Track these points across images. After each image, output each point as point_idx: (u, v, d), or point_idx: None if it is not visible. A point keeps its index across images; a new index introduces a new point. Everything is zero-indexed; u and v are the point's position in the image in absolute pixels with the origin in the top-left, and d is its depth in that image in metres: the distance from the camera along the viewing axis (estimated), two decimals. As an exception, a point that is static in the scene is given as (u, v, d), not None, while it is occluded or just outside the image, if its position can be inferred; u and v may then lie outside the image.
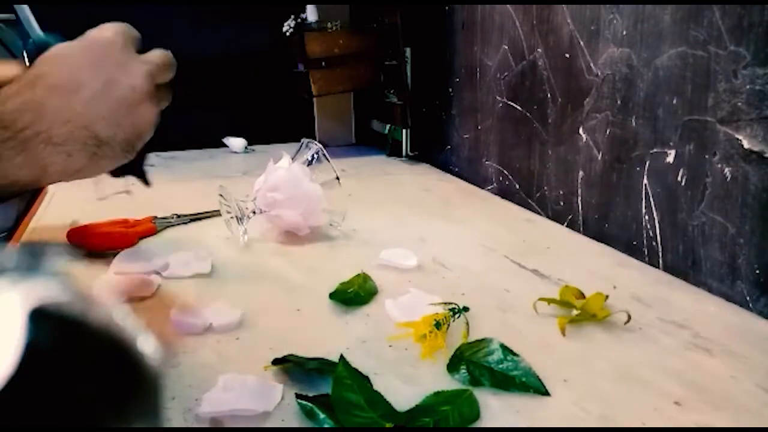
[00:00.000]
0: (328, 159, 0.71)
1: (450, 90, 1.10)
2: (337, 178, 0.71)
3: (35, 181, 0.38)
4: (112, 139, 0.41)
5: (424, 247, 0.71)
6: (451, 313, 0.51)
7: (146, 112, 0.43)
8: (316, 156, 0.72)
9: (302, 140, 0.75)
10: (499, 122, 0.95)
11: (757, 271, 0.53)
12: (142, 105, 0.43)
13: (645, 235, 0.66)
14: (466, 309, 0.52)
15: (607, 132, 0.71)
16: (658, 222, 0.64)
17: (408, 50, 1.16)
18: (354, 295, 0.57)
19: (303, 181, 0.69)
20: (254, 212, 0.70)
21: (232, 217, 0.70)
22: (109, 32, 0.45)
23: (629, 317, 0.51)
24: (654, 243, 0.65)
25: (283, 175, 0.70)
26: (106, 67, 0.41)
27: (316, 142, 0.73)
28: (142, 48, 0.51)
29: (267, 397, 0.41)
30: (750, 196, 0.53)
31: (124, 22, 0.50)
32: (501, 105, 0.94)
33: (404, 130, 1.23)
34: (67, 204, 0.84)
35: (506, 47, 0.91)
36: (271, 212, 0.71)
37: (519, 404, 0.41)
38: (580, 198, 0.77)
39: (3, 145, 0.36)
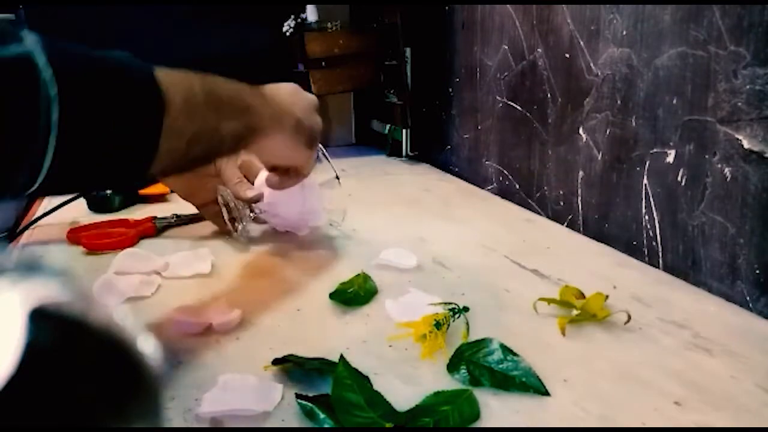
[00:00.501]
0: (327, 159, 0.71)
1: (450, 90, 1.10)
2: (337, 178, 0.71)
3: (255, 126, 0.53)
4: (303, 123, 0.59)
5: (424, 247, 0.71)
6: (451, 313, 0.51)
7: (318, 119, 0.63)
8: (315, 156, 0.72)
9: None
10: (499, 122, 0.95)
11: (757, 271, 0.53)
12: (315, 113, 0.62)
13: (645, 235, 0.66)
14: (466, 309, 0.52)
15: (607, 132, 0.71)
16: (658, 222, 0.64)
17: (408, 50, 1.15)
18: (354, 295, 0.57)
19: (303, 181, 0.69)
20: (254, 212, 0.70)
21: (231, 218, 0.70)
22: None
23: (629, 317, 0.51)
24: (654, 243, 0.65)
25: None
26: (296, 89, 0.62)
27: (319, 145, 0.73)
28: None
29: (267, 397, 0.41)
30: (750, 196, 0.53)
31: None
32: (501, 105, 0.94)
33: (404, 130, 1.23)
34: (67, 204, 0.84)
35: (506, 47, 0.91)
36: (271, 212, 0.71)
37: (519, 404, 0.41)
38: (580, 198, 0.77)
39: (263, 100, 0.54)
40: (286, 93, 0.59)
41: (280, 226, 0.74)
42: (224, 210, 0.71)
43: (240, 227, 0.69)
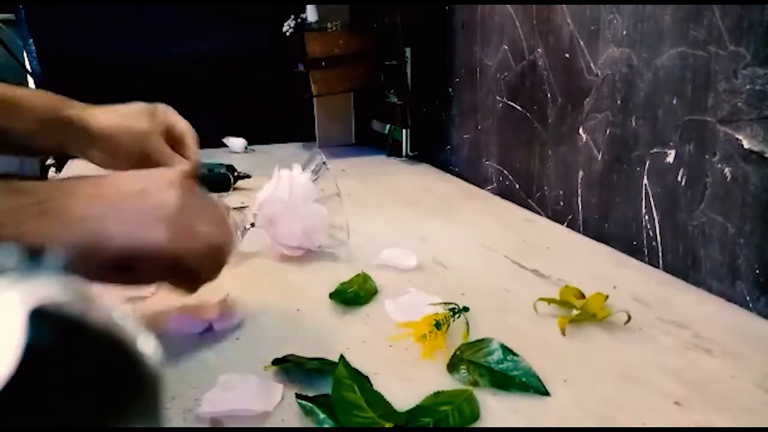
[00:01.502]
0: (326, 166, 0.68)
1: (450, 90, 1.10)
2: (338, 195, 0.68)
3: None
4: (118, 241, 0.41)
5: (424, 247, 0.71)
6: (451, 313, 0.51)
7: (149, 234, 0.43)
8: (319, 167, 0.69)
9: (312, 152, 0.71)
10: (499, 122, 0.95)
11: (757, 271, 0.53)
12: (163, 225, 0.43)
13: (645, 235, 0.66)
14: (466, 309, 0.52)
15: (607, 132, 0.71)
16: (658, 222, 0.64)
17: (408, 50, 1.16)
18: (354, 295, 0.57)
19: (310, 214, 0.66)
20: (253, 224, 0.67)
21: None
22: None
23: (629, 317, 0.51)
24: (654, 243, 0.65)
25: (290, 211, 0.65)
26: (144, 176, 0.45)
27: (322, 157, 0.69)
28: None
29: (267, 397, 0.41)
30: (750, 196, 0.53)
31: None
32: (501, 105, 0.94)
33: (404, 130, 1.23)
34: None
35: (506, 47, 0.91)
36: (269, 228, 0.67)
37: (519, 404, 0.41)
38: (580, 198, 0.77)
39: (20, 208, 0.38)
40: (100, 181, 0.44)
41: (281, 245, 0.71)
42: None
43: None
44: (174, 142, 0.65)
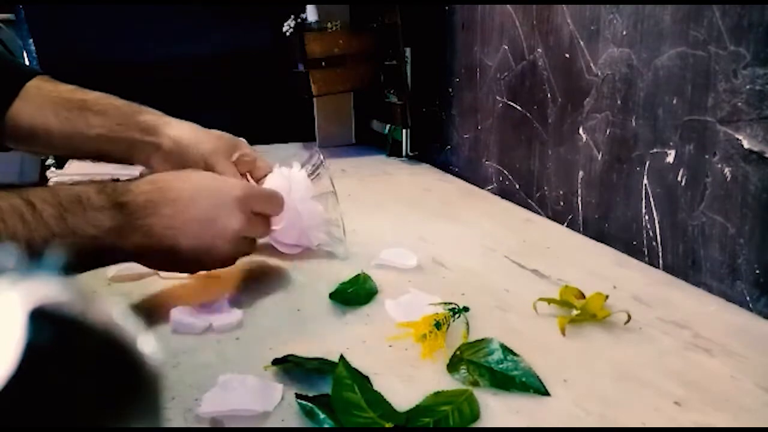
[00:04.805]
0: (323, 163, 0.68)
1: (450, 90, 1.10)
2: (334, 193, 0.67)
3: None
4: (183, 253, 0.50)
5: (424, 247, 0.71)
6: (451, 313, 0.51)
7: (223, 249, 0.53)
8: (317, 165, 0.69)
9: (311, 151, 0.71)
10: (499, 122, 0.95)
11: (757, 271, 0.53)
12: (222, 242, 0.53)
13: (645, 235, 0.66)
14: (466, 309, 0.52)
15: (607, 132, 0.71)
16: (658, 222, 0.64)
17: (408, 50, 1.15)
18: (354, 295, 0.57)
19: (307, 216, 0.66)
20: None
21: None
22: (231, 182, 0.57)
23: (629, 317, 0.51)
24: (654, 243, 0.65)
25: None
26: (214, 202, 0.52)
27: (320, 155, 0.69)
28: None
29: (267, 397, 0.41)
30: (750, 196, 0.53)
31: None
32: (501, 105, 0.94)
33: (404, 130, 1.23)
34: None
35: (506, 47, 0.91)
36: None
37: (519, 404, 0.41)
38: (580, 198, 0.77)
39: (124, 224, 0.47)
40: (187, 202, 0.51)
41: (279, 243, 0.71)
42: None
43: None
44: (243, 168, 0.71)
